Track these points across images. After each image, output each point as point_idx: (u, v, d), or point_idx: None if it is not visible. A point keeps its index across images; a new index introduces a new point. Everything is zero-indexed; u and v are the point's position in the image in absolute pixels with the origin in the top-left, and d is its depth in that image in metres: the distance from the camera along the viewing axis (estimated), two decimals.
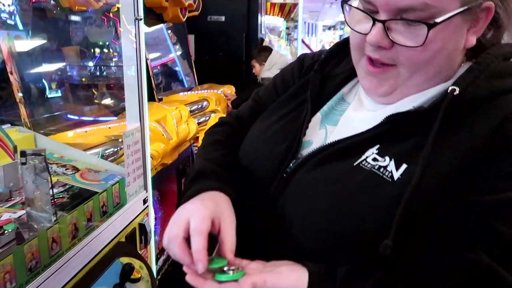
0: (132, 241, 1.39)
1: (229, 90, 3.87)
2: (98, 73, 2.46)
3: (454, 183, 0.69)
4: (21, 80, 1.71)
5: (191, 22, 3.76)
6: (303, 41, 7.29)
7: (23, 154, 0.97)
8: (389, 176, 0.72)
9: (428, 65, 0.74)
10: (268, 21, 5.48)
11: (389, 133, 0.75)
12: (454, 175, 0.69)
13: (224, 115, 3.18)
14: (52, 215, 1.03)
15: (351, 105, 0.87)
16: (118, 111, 2.33)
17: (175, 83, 3.64)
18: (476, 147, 0.69)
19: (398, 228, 0.67)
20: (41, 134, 1.52)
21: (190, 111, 2.76)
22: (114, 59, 2.58)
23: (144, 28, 1.51)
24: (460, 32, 0.73)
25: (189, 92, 3.43)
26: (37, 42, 1.93)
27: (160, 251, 2.17)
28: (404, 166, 0.72)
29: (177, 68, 3.71)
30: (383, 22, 0.71)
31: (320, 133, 0.86)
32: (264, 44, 4.72)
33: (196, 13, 3.61)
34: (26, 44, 1.85)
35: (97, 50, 2.49)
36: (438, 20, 0.69)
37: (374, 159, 0.74)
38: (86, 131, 1.78)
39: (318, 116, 0.88)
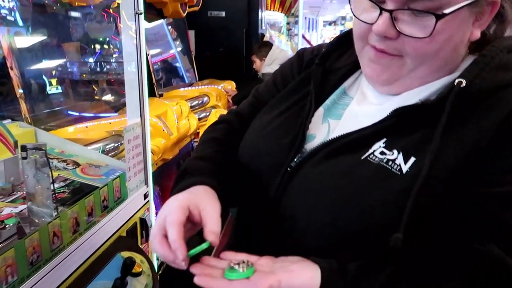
0: (133, 236, 1.39)
1: (230, 85, 3.87)
2: (98, 69, 2.46)
3: (461, 176, 0.69)
4: (22, 76, 1.71)
5: (192, 17, 3.76)
6: (303, 37, 7.28)
7: (24, 148, 0.97)
8: (397, 169, 0.71)
9: (434, 57, 0.73)
10: (269, 16, 5.47)
11: (396, 127, 0.75)
12: (461, 168, 0.69)
13: (225, 111, 3.19)
14: (53, 210, 1.03)
15: (354, 99, 0.86)
16: (119, 106, 2.33)
17: (176, 79, 3.64)
18: (482, 140, 0.69)
19: (408, 221, 0.67)
20: (41, 129, 1.52)
21: (191, 107, 2.77)
22: (114, 55, 2.58)
23: (144, 24, 1.51)
24: (466, 25, 0.73)
25: (190, 88, 3.43)
26: (37, 38, 1.93)
27: None
28: (412, 159, 0.71)
29: (177, 64, 3.71)
30: (390, 12, 0.71)
31: (323, 127, 0.85)
32: (265, 39, 4.71)
33: (196, 8, 3.61)
34: (26, 40, 1.85)
35: (98, 46, 2.49)
36: (446, 11, 0.68)
37: (382, 153, 0.74)
38: (86, 127, 1.78)
39: (320, 110, 0.88)
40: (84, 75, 2.32)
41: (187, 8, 3.36)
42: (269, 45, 4.19)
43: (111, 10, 2.50)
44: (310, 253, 0.73)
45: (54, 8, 2.10)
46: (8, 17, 1.79)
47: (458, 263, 0.70)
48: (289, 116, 0.88)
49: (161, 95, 3.00)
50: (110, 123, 1.88)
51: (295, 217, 0.78)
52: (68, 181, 1.25)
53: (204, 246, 0.69)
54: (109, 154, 1.63)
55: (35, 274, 0.92)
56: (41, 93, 1.89)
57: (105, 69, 2.50)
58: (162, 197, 2.21)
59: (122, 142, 1.66)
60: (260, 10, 4.69)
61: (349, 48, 0.92)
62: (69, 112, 2.03)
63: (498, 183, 0.68)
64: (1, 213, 1.06)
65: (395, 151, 0.73)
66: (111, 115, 2.18)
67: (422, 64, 0.74)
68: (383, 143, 0.75)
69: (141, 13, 1.45)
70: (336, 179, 0.74)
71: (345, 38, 0.93)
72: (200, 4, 3.66)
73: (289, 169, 0.81)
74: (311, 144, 0.83)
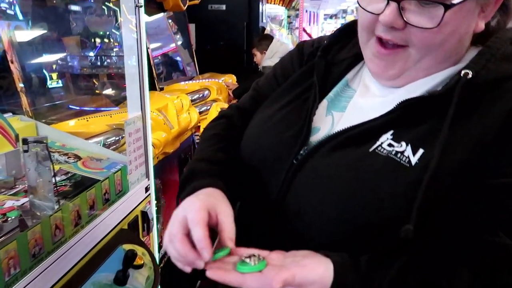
0: (134, 229, 1.40)
1: (230, 79, 3.86)
2: (99, 63, 2.46)
3: (469, 166, 0.69)
4: (22, 70, 1.71)
5: (192, 11, 3.75)
6: (304, 30, 7.26)
7: (25, 141, 0.97)
8: (406, 161, 0.71)
9: (439, 48, 0.73)
10: (269, 9, 5.45)
11: (403, 119, 0.75)
12: (469, 159, 0.70)
13: (225, 104, 3.19)
14: (54, 203, 1.04)
15: (357, 91, 0.86)
16: (120, 100, 2.33)
17: (176, 73, 3.63)
18: (490, 131, 0.70)
19: (418, 213, 0.67)
20: (42, 123, 1.52)
21: (192, 100, 2.76)
22: (115, 49, 2.57)
23: (144, 17, 1.51)
24: (472, 16, 0.74)
25: (190, 81, 3.43)
26: (37, 32, 1.93)
27: (163, 239, 2.19)
28: (420, 151, 0.72)
29: (178, 58, 3.70)
30: (398, 1, 0.71)
31: (327, 119, 0.85)
32: (265, 33, 4.70)
33: (196, 1, 3.60)
34: (26, 34, 1.85)
35: (98, 40, 2.48)
36: (455, 1, 0.69)
37: (390, 145, 0.74)
38: (87, 120, 1.78)
39: (324, 102, 0.88)
40: (85, 69, 2.32)
41: (188, 1, 3.35)
42: (269, 38, 4.18)
43: (111, 3, 2.49)
44: (315, 248, 0.73)
45: (54, 1, 2.10)
46: (8, 11, 1.79)
47: (468, 254, 0.70)
48: (292, 109, 0.88)
49: (161, 89, 3.00)
50: (111, 116, 1.88)
51: (302, 210, 0.78)
52: (69, 174, 1.26)
53: (226, 252, 0.69)
54: (110, 148, 1.63)
55: (38, 266, 0.92)
56: (41, 87, 1.89)
57: (105, 63, 2.49)
58: (163, 191, 2.22)
59: (123, 135, 1.67)
60: (260, 3, 4.67)
61: (350, 40, 0.92)
62: (70, 106, 2.03)
63: (506, 174, 0.69)
64: (3, 206, 1.06)
65: (403, 143, 0.73)
66: (112, 109, 2.18)
67: (428, 55, 0.74)
68: (391, 135, 0.75)
69: (141, 6, 1.44)
70: (345, 172, 0.74)
71: (346, 31, 0.93)
72: None
73: (294, 162, 0.80)
74: (316, 137, 0.83)
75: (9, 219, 1.01)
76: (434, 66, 0.76)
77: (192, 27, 4.07)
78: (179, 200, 0.81)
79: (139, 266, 1.22)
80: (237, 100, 3.64)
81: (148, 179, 1.53)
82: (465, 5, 0.70)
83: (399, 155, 0.72)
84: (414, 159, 0.71)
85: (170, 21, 3.62)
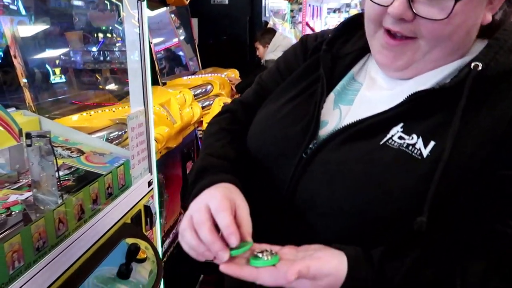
0: (137, 223, 1.40)
1: (233, 74, 3.86)
2: (101, 58, 2.46)
3: (481, 158, 0.70)
4: (25, 65, 1.72)
5: (194, 5, 3.74)
6: (307, 24, 7.23)
7: (28, 136, 0.98)
8: (418, 153, 0.72)
9: (449, 39, 0.73)
10: (272, 3, 5.42)
11: (413, 111, 0.75)
12: (480, 150, 0.70)
13: (228, 99, 3.18)
14: (58, 197, 1.05)
15: (364, 85, 0.86)
16: (122, 95, 2.34)
17: (179, 68, 3.63)
18: (501, 123, 0.70)
19: (431, 204, 0.67)
20: (46, 118, 1.53)
21: (194, 95, 2.76)
22: (117, 44, 2.57)
23: (147, 12, 1.51)
24: (481, 8, 0.74)
25: (193, 76, 3.43)
26: (40, 27, 1.93)
27: (166, 233, 2.20)
28: (432, 143, 0.72)
29: (180, 53, 3.70)
30: None
31: (335, 113, 0.85)
32: (268, 27, 4.69)
33: None
34: (29, 29, 1.86)
35: (101, 35, 2.48)
36: None
37: (400, 137, 0.74)
38: (90, 115, 1.79)
39: (331, 96, 0.87)
40: (88, 64, 2.32)
41: None
42: (272, 32, 4.17)
43: None
44: (327, 241, 0.74)
45: None
46: (11, 6, 1.80)
47: (480, 245, 0.71)
48: (299, 103, 0.88)
49: (164, 84, 3.00)
50: (114, 111, 1.88)
51: (313, 204, 0.78)
52: (72, 169, 1.27)
53: (248, 246, 0.69)
54: (113, 142, 1.64)
55: (41, 260, 0.93)
56: (44, 82, 1.89)
57: (108, 58, 2.50)
58: (166, 185, 2.22)
59: (126, 130, 1.67)
60: None
61: (355, 34, 0.92)
62: (73, 101, 2.03)
63: None
64: (7, 200, 1.07)
65: (414, 136, 0.73)
66: (115, 104, 2.19)
67: (436, 47, 0.74)
68: (401, 127, 0.75)
69: (143, 1, 1.44)
70: (356, 165, 0.74)
71: (350, 24, 0.92)
72: None
73: (304, 156, 0.80)
74: (324, 130, 0.83)
75: (13, 213, 1.02)
76: (442, 58, 0.76)
77: (194, 21, 4.06)
78: (191, 194, 0.80)
79: (142, 260, 1.23)
80: (240, 95, 3.64)
81: (151, 174, 1.53)
82: None
83: (410, 147, 0.72)
84: (425, 152, 0.71)
85: (172, 15, 3.62)
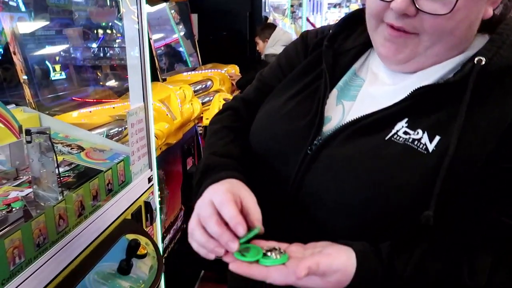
0: (137, 219, 1.41)
1: (233, 69, 3.85)
2: (101, 55, 2.46)
3: (486, 152, 0.70)
4: (25, 61, 1.72)
5: (194, 0, 3.73)
6: (308, 20, 7.21)
7: (28, 132, 0.98)
8: (423, 148, 0.72)
9: (451, 34, 0.73)
10: None
11: (417, 106, 0.75)
12: (486, 145, 0.70)
13: (228, 95, 3.18)
14: (58, 194, 1.05)
15: (366, 80, 0.86)
16: (122, 91, 2.33)
17: (179, 63, 3.63)
18: (506, 117, 0.71)
19: (437, 198, 0.68)
20: (46, 114, 1.53)
21: (194, 91, 2.76)
22: (117, 40, 2.57)
23: (147, 8, 1.50)
24: (482, 2, 0.74)
25: (193, 72, 3.43)
26: (40, 23, 1.93)
27: (166, 229, 2.20)
28: (437, 138, 0.72)
29: (180, 48, 3.69)
30: None
31: (338, 109, 0.85)
32: (268, 22, 4.68)
33: None
34: (29, 25, 1.85)
35: (100, 31, 2.48)
36: None
37: (405, 133, 0.74)
38: (90, 111, 1.79)
39: (334, 91, 0.87)
40: (88, 60, 2.32)
41: None
42: (272, 27, 4.16)
43: None
44: (333, 236, 0.74)
45: None
46: (11, 3, 1.79)
47: (487, 238, 0.72)
48: (302, 99, 0.88)
49: (164, 80, 3.00)
50: (113, 107, 1.88)
51: (319, 200, 0.78)
52: (73, 165, 1.27)
53: (255, 231, 0.69)
54: (113, 139, 1.64)
55: (42, 256, 0.93)
56: (44, 79, 1.89)
57: (108, 54, 2.49)
58: (166, 181, 2.23)
59: (126, 126, 1.67)
60: None
61: (355, 29, 0.92)
62: (73, 97, 2.03)
63: None
64: (8, 196, 1.07)
65: (420, 131, 0.74)
66: (115, 100, 2.19)
67: (439, 42, 0.75)
68: (405, 123, 0.75)
69: None
70: (362, 160, 0.75)
71: (351, 20, 0.92)
72: None
73: (309, 152, 0.80)
74: (328, 126, 0.83)
75: (13, 209, 1.02)
76: (444, 53, 0.77)
77: (194, 17, 4.05)
78: (198, 193, 0.80)
79: (143, 256, 1.24)
80: (240, 91, 3.64)
81: (151, 170, 1.54)
82: None
83: (416, 142, 0.73)
84: (431, 146, 0.72)
85: (172, 11, 3.61)
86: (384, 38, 0.78)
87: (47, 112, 1.69)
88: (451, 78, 0.74)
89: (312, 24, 7.15)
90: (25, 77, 1.70)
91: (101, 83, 2.39)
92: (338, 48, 0.91)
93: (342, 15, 1.02)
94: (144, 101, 1.50)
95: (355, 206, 0.74)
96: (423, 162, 0.71)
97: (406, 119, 0.76)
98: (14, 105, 1.56)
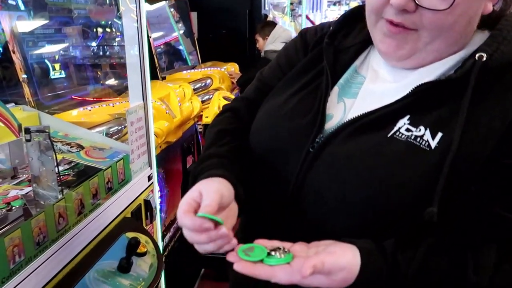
0: (137, 217, 1.41)
1: (233, 67, 3.85)
2: (101, 53, 2.46)
3: (489, 148, 0.70)
4: (24, 60, 1.72)
5: None
6: (307, 17, 7.20)
7: (27, 131, 0.98)
8: (426, 145, 0.72)
9: (450, 30, 0.74)
10: None
11: (419, 103, 0.75)
12: (488, 141, 0.70)
13: (228, 93, 3.17)
14: (58, 192, 1.05)
15: (367, 78, 0.86)
16: (122, 90, 2.33)
17: (179, 62, 3.63)
18: (508, 112, 0.71)
19: (442, 195, 0.68)
20: (45, 113, 1.53)
21: (194, 89, 2.76)
22: (117, 39, 2.57)
23: (146, 6, 1.50)
24: None
25: (193, 70, 3.43)
26: (39, 22, 1.93)
27: (166, 228, 2.21)
28: (439, 134, 0.72)
29: (180, 47, 3.69)
30: None
31: (339, 106, 0.85)
32: (268, 20, 4.67)
33: None
34: (28, 24, 1.85)
35: (100, 30, 2.48)
36: None
37: (408, 130, 0.74)
38: (90, 110, 1.79)
39: (335, 89, 0.87)
40: (87, 59, 2.32)
41: None
42: (272, 25, 4.16)
43: None
44: (336, 234, 0.74)
45: None
46: (10, 1, 1.79)
47: (492, 233, 0.72)
48: (303, 97, 0.88)
49: (163, 78, 3.00)
50: (113, 106, 1.88)
51: (322, 198, 0.78)
52: (72, 164, 1.27)
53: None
54: (113, 137, 1.64)
55: (42, 254, 0.94)
56: (44, 77, 1.89)
57: (107, 52, 2.49)
58: (166, 180, 2.23)
59: (125, 125, 1.67)
60: None
61: (355, 26, 0.91)
62: (73, 96, 2.03)
63: None
64: (8, 195, 1.08)
65: (422, 128, 0.74)
66: (114, 98, 2.19)
67: (438, 37, 0.75)
68: (407, 120, 0.75)
69: None
70: (365, 158, 0.74)
71: (350, 17, 0.92)
72: None
73: (311, 150, 0.80)
74: (330, 124, 0.83)
75: (13, 208, 1.02)
76: (444, 48, 0.77)
77: (194, 15, 4.05)
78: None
79: (143, 254, 1.24)
80: (241, 89, 3.64)
81: (151, 168, 1.54)
82: None
83: (418, 139, 0.73)
84: (433, 143, 0.72)
85: (172, 9, 3.61)
86: (383, 34, 0.78)
87: (47, 110, 1.69)
88: (452, 74, 0.74)
89: (312, 22, 7.14)
90: (25, 75, 1.70)
91: (100, 81, 2.38)
92: (338, 46, 0.91)
93: (342, 13, 1.01)
94: (143, 99, 1.50)
95: (356, 205, 0.74)
96: (425, 159, 0.71)
97: (408, 116, 0.76)
98: (14, 104, 1.56)
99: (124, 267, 1.15)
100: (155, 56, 2.98)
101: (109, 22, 2.52)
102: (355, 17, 0.91)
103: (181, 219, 0.69)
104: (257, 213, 0.87)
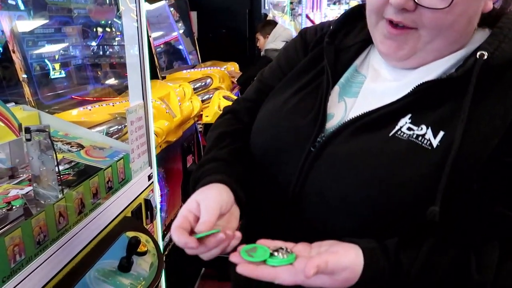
0: (138, 216, 1.41)
1: (233, 67, 3.85)
2: (101, 53, 2.46)
3: (490, 147, 0.70)
4: (24, 60, 1.72)
5: None
6: (307, 17, 7.20)
7: (28, 130, 0.98)
8: (428, 144, 0.72)
9: (450, 28, 0.74)
10: None
11: (420, 102, 0.75)
12: (490, 139, 0.70)
13: (228, 92, 3.17)
14: (58, 192, 1.05)
15: (368, 77, 0.86)
16: (122, 89, 2.33)
17: (178, 61, 3.62)
18: (509, 111, 0.71)
19: (443, 194, 0.68)
20: (45, 112, 1.53)
21: (194, 89, 2.76)
22: (117, 39, 2.57)
23: (146, 6, 1.50)
24: None
25: (193, 70, 3.43)
26: (39, 22, 1.93)
27: (167, 227, 2.21)
28: (441, 133, 0.72)
29: (180, 46, 3.69)
30: None
31: (340, 105, 0.85)
32: (269, 19, 4.67)
33: None
34: (28, 24, 1.85)
35: (100, 30, 2.48)
36: None
37: (409, 129, 0.74)
38: (90, 109, 1.79)
39: (336, 88, 0.87)
40: (87, 59, 2.32)
41: None
42: (273, 24, 4.17)
43: None
44: (338, 234, 0.74)
45: None
46: (10, 1, 1.79)
47: (494, 232, 0.72)
48: (304, 96, 0.88)
49: (163, 78, 3.00)
50: (113, 105, 1.88)
51: (323, 198, 0.78)
52: (72, 163, 1.27)
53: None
54: (113, 137, 1.64)
55: (43, 254, 0.94)
56: (44, 77, 1.89)
57: (107, 52, 2.49)
58: (166, 179, 2.23)
59: (126, 124, 1.67)
60: None
61: (356, 25, 0.91)
62: (73, 96, 2.03)
63: None
64: (8, 194, 1.08)
65: (423, 126, 0.74)
66: (114, 98, 2.19)
67: (438, 36, 0.75)
68: (409, 119, 0.75)
69: None
70: (366, 157, 0.74)
71: (351, 16, 0.92)
72: None
73: (312, 149, 0.80)
74: (331, 123, 0.83)
75: (14, 207, 1.02)
76: (445, 47, 0.77)
77: (193, 14, 4.05)
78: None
79: (143, 253, 1.24)
80: (241, 87, 3.64)
81: (151, 168, 1.54)
82: None
83: (420, 138, 0.73)
84: (435, 142, 0.72)
85: (172, 9, 3.61)
86: (383, 35, 0.79)
87: (47, 110, 1.69)
88: (454, 73, 0.74)
89: (312, 21, 7.14)
90: (25, 75, 1.70)
91: (100, 81, 2.38)
92: (339, 45, 0.91)
93: (342, 12, 1.01)
94: (143, 99, 1.50)
95: (357, 204, 0.74)
96: (427, 157, 0.71)
97: (409, 115, 0.76)
98: (14, 104, 1.56)
99: (125, 266, 1.15)
100: (155, 56, 2.98)
101: (109, 22, 2.52)
102: (356, 16, 0.91)
103: (173, 235, 0.70)
104: (258, 213, 0.87)
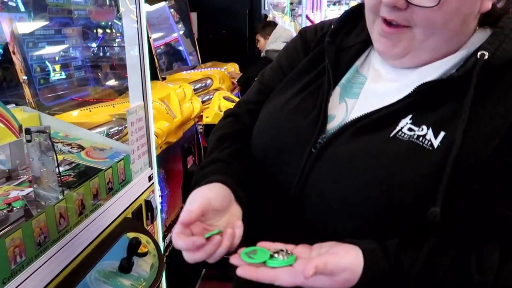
0: (138, 217, 1.41)
1: (233, 67, 3.85)
2: (101, 54, 2.46)
3: (491, 147, 0.70)
4: (24, 61, 1.72)
5: None
6: (307, 17, 7.21)
7: (28, 131, 0.98)
8: (428, 144, 0.72)
9: (443, 27, 0.74)
10: None
11: (421, 102, 0.75)
12: (491, 139, 0.70)
13: (228, 93, 3.17)
14: (59, 193, 1.05)
15: (369, 78, 0.86)
16: (122, 91, 2.33)
17: (179, 62, 3.63)
18: (510, 111, 0.71)
19: (444, 195, 0.68)
20: (45, 114, 1.53)
21: (194, 90, 2.76)
22: (117, 40, 2.57)
23: (146, 7, 1.51)
24: None
25: (193, 71, 3.43)
26: (39, 23, 1.93)
27: (167, 228, 2.21)
28: (442, 133, 0.72)
29: (180, 47, 3.69)
30: None
31: (341, 106, 0.85)
32: (269, 19, 4.67)
33: None
34: (28, 25, 1.85)
35: (100, 31, 2.48)
36: None
37: (410, 129, 0.74)
38: (90, 110, 1.79)
39: (337, 89, 0.87)
40: (87, 60, 2.32)
41: None
42: (273, 24, 4.17)
43: None
44: (339, 235, 0.74)
45: None
46: (10, 3, 1.79)
47: (494, 232, 0.72)
48: (305, 97, 0.87)
49: (164, 79, 3.00)
50: (113, 106, 1.88)
51: (324, 199, 0.77)
52: (73, 164, 1.27)
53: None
54: (113, 138, 1.64)
55: (43, 255, 0.94)
56: (44, 78, 1.89)
57: (108, 53, 2.49)
58: (167, 180, 2.23)
59: (126, 125, 1.67)
60: None
61: (356, 25, 0.91)
62: (73, 97, 2.03)
63: None
64: (9, 196, 1.08)
65: (424, 127, 0.74)
66: (115, 99, 2.19)
67: (432, 35, 0.75)
68: (410, 119, 0.75)
69: None
70: (367, 158, 0.74)
71: (352, 15, 0.92)
72: None
73: (313, 150, 0.79)
74: (332, 124, 0.83)
75: (14, 208, 1.02)
76: (441, 46, 0.77)
77: (194, 16, 4.05)
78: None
79: (144, 254, 1.24)
80: (241, 88, 3.64)
81: (151, 168, 1.54)
82: None
83: (421, 138, 0.73)
84: (436, 142, 0.72)
85: (172, 10, 3.61)
86: (379, 33, 0.79)
87: (47, 111, 1.69)
88: (454, 73, 0.74)
89: (312, 22, 7.14)
90: (25, 77, 1.70)
91: (101, 82, 2.39)
92: (340, 44, 0.91)
93: (342, 13, 1.01)
94: (144, 100, 1.50)
95: (358, 205, 0.74)
96: (428, 158, 0.71)
97: (410, 116, 0.76)
98: (14, 105, 1.56)
99: (125, 267, 1.15)
100: (155, 57, 2.98)
101: (109, 23, 2.52)
102: (357, 15, 0.91)
103: (174, 241, 0.70)
104: (258, 214, 0.87)
